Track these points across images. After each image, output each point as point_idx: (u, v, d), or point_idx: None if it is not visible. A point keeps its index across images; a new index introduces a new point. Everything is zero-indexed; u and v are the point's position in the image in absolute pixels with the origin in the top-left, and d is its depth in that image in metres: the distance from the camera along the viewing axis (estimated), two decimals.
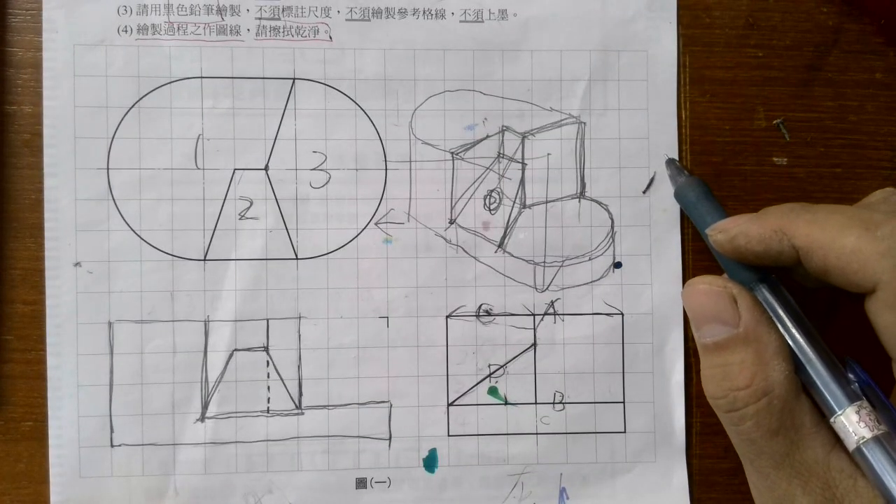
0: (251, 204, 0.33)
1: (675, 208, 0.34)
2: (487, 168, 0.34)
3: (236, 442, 0.33)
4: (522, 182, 0.34)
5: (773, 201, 0.34)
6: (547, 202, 0.34)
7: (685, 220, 0.34)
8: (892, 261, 0.23)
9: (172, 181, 0.33)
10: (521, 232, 0.34)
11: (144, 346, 0.33)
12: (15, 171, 0.33)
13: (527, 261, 0.34)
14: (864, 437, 0.23)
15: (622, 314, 0.34)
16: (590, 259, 0.34)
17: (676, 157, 0.33)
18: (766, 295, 0.27)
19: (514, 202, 0.34)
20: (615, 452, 0.34)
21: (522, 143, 0.34)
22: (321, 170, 0.33)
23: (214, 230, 0.33)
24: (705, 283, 0.27)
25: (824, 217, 0.25)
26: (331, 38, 0.33)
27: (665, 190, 0.34)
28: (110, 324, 0.33)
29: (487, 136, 0.34)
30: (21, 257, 0.33)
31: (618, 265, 0.34)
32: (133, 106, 0.33)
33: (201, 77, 0.33)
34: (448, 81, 0.34)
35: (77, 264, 0.32)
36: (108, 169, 0.33)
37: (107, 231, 0.33)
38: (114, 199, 0.33)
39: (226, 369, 0.33)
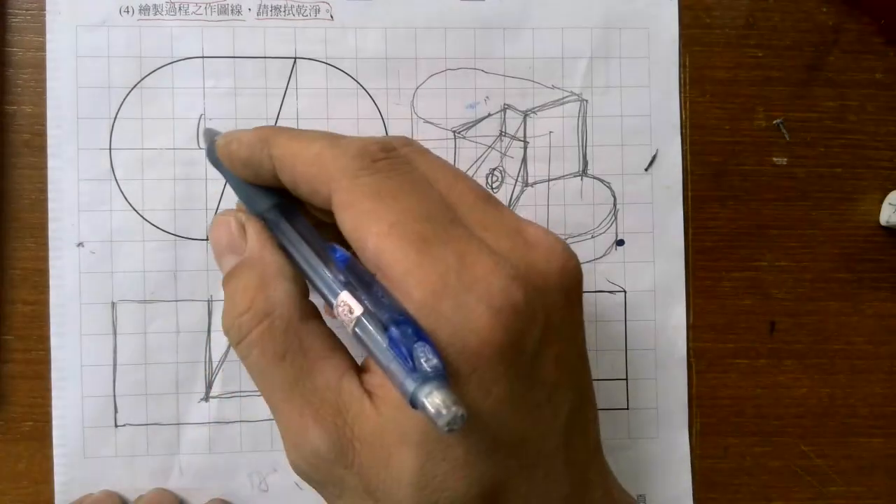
0: None
1: (677, 185, 0.34)
2: (489, 146, 0.34)
3: (240, 421, 0.33)
4: (524, 160, 0.34)
5: (773, 201, 0.34)
6: (549, 180, 0.34)
7: (687, 196, 0.34)
8: (343, 161, 0.22)
9: (175, 161, 0.33)
10: (524, 210, 0.34)
11: (148, 326, 0.33)
12: (15, 171, 0.33)
13: None
14: (353, 318, 0.21)
15: (625, 291, 0.34)
16: (592, 237, 0.34)
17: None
18: (278, 220, 0.26)
19: (517, 180, 0.34)
20: (618, 429, 0.34)
21: (524, 121, 0.34)
22: None
23: (217, 210, 0.33)
24: (220, 216, 0.26)
25: (300, 131, 0.26)
26: (332, 17, 0.33)
27: (667, 167, 0.34)
28: (113, 304, 0.33)
29: (489, 115, 0.34)
30: (21, 257, 0.33)
31: (620, 243, 0.34)
32: (135, 86, 0.33)
33: (203, 57, 0.33)
34: (449, 60, 0.34)
35: (80, 244, 0.33)
36: (110, 149, 0.33)
37: (109, 211, 0.33)
38: (116, 180, 0.33)
39: (229, 349, 0.33)
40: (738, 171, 0.34)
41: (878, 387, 0.35)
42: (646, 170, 0.34)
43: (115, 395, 0.32)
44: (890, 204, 0.34)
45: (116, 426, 0.32)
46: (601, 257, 0.34)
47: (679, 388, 0.34)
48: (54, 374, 0.32)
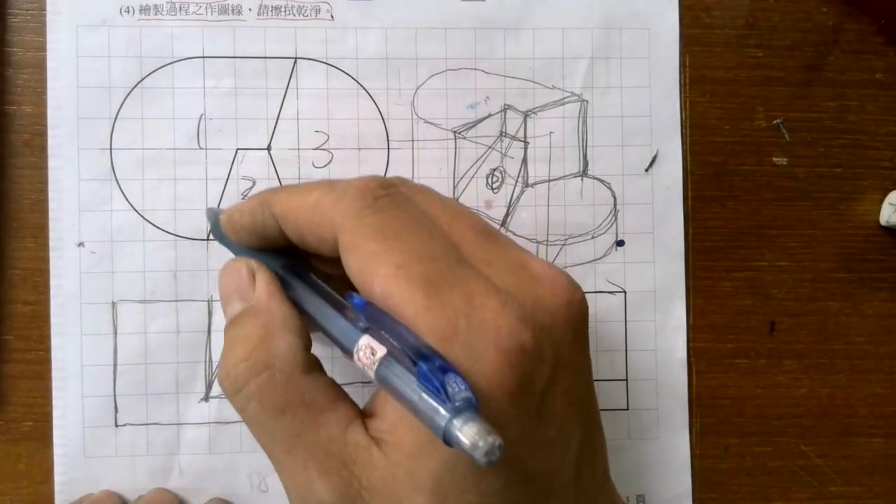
0: (254, 184, 0.33)
1: (677, 186, 0.34)
2: (490, 147, 0.34)
3: (240, 421, 0.32)
4: (525, 161, 0.34)
5: (773, 201, 0.34)
6: (549, 181, 0.34)
7: (687, 197, 0.34)
8: (345, 205, 0.22)
9: (175, 161, 0.33)
10: (524, 211, 0.34)
11: (148, 326, 0.33)
12: (15, 171, 0.33)
13: (530, 239, 0.34)
14: (376, 360, 0.20)
15: (625, 292, 0.34)
16: (592, 237, 0.34)
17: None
18: (289, 277, 0.26)
19: (517, 181, 0.34)
20: (618, 430, 0.34)
21: (525, 121, 0.34)
22: (323, 149, 0.33)
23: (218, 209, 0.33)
24: (232, 261, 0.26)
25: (297, 186, 0.25)
26: (332, 17, 0.33)
27: (668, 168, 0.34)
28: (114, 304, 0.33)
29: (490, 115, 0.34)
30: (21, 257, 0.33)
31: (620, 243, 0.34)
32: (136, 86, 0.33)
33: (203, 57, 0.33)
34: (450, 60, 0.34)
35: (80, 244, 0.33)
36: (111, 149, 0.33)
37: (110, 211, 0.33)
38: (116, 180, 0.33)
39: None
40: (738, 171, 0.34)
41: (878, 387, 0.35)
42: (646, 170, 0.34)
43: (115, 395, 0.32)
44: (890, 204, 0.34)
45: (117, 426, 0.32)
46: (601, 258, 0.34)
47: (679, 388, 0.34)
48: (55, 374, 0.32)
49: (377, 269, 0.21)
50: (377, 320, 0.21)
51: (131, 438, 0.32)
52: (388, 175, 0.33)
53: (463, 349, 0.20)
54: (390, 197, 0.23)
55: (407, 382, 0.19)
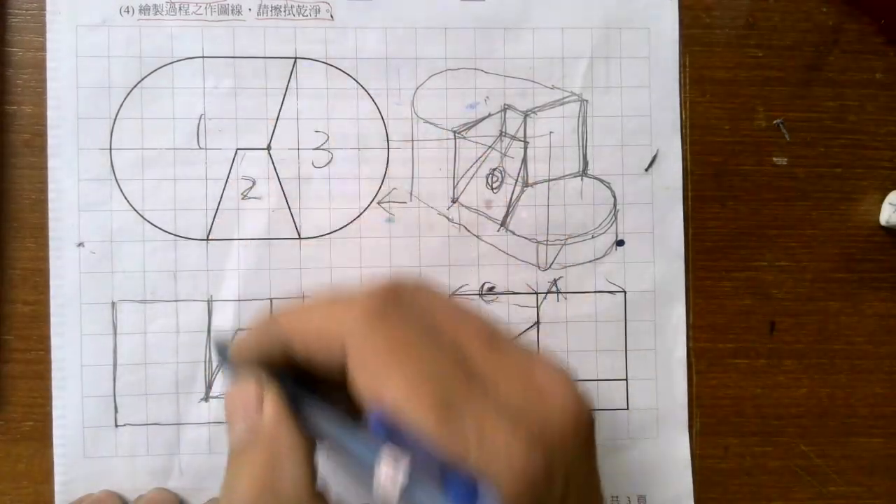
0: (254, 184, 0.33)
1: (677, 186, 0.34)
2: (490, 147, 0.34)
3: None
4: (525, 160, 0.34)
5: (773, 201, 0.34)
6: (549, 180, 0.34)
7: (687, 197, 0.34)
8: (350, 322, 0.22)
9: (175, 161, 0.33)
10: (524, 210, 0.34)
11: (148, 326, 0.33)
12: (15, 171, 0.33)
13: (529, 239, 0.34)
14: (400, 483, 0.20)
15: (624, 292, 0.34)
16: (592, 237, 0.34)
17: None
18: (301, 395, 0.26)
19: (517, 181, 0.34)
20: (618, 429, 0.34)
21: (524, 121, 0.34)
22: (323, 149, 0.33)
23: (217, 210, 0.33)
24: (242, 381, 0.26)
25: (303, 304, 0.25)
26: (332, 16, 0.33)
27: (667, 167, 0.34)
28: (113, 304, 0.33)
29: (489, 115, 0.34)
30: (21, 257, 0.33)
31: (620, 243, 0.34)
32: (135, 86, 0.33)
33: (203, 57, 0.33)
34: (449, 60, 0.34)
35: (80, 244, 0.33)
36: (110, 149, 0.33)
37: (109, 211, 0.33)
38: (116, 180, 0.33)
39: None
40: (738, 171, 0.34)
41: (878, 387, 0.35)
42: (646, 170, 0.34)
43: (115, 395, 0.32)
44: (890, 204, 0.34)
45: (116, 426, 0.32)
46: (601, 257, 0.34)
47: (679, 388, 0.34)
48: (54, 375, 0.32)
49: (386, 391, 0.21)
50: (394, 437, 0.21)
51: (131, 438, 0.32)
52: (388, 175, 0.33)
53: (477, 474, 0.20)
54: (395, 310, 0.23)
55: (434, 497, 0.20)
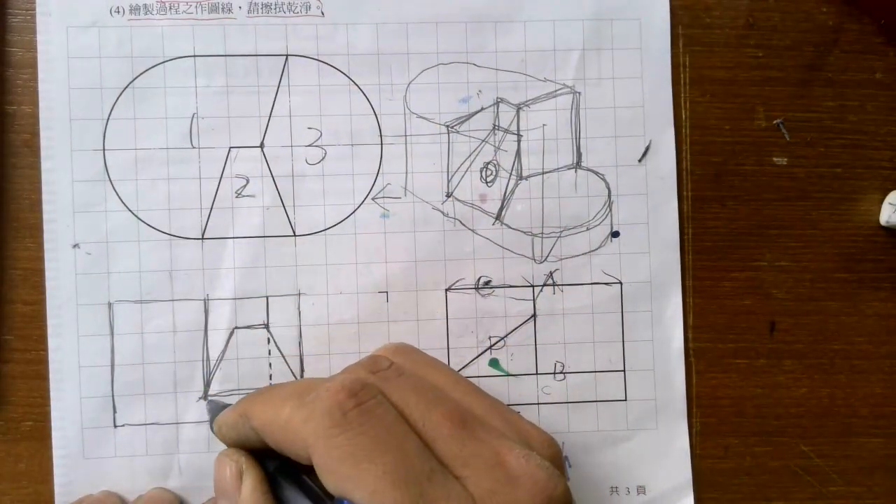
0: (247, 182, 0.33)
1: (671, 176, 0.34)
2: (483, 140, 0.34)
3: None
4: (518, 154, 0.34)
5: (773, 201, 0.34)
6: (543, 173, 0.34)
7: (682, 186, 0.34)
8: (314, 424, 0.23)
9: (168, 161, 0.33)
10: (519, 203, 0.34)
11: (145, 326, 0.33)
12: (15, 171, 0.33)
13: (525, 232, 0.34)
14: None
15: (621, 283, 0.34)
16: (587, 229, 0.34)
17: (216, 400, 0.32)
18: (281, 478, 0.26)
19: (511, 174, 0.34)
20: (616, 420, 0.34)
21: (517, 114, 0.34)
22: (317, 146, 0.33)
23: (211, 209, 0.33)
24: (225, 454, 0.27)
25: (274, 394, 0.25)
26: (323, 13, 0.33)
27: (661, 158, 0.34)
28: (110, 304, 0.33)
29: (482, 109, 0.34)
30: (21, 257, 0.33)
31: (615, 234, 0.34)
32: (127, 86, 0.33)
33: (194, 56, 0.33)
34: (441, 54, 0.34)
35: (75, 246, 0.33)
36: (104, 150, 0.33)
37: (104, 212, 0.33)
38: (110, 180, 0.33)
39: (227, 347, 0.33)
40: (738, 171, 0.34)
41: (878, 387, 0.35)
42: (639, 161, 0.34)
43: (113, 396, 0.32)
44: (890, 204, 0.34)
45: (115, 426, 0.33)
46: (596, 249, 0.34)
47: (677, 378, 0.34)
48: (52, 376, 0.32)
49: (353, 496, 0.21)
50: None
51: (130, 438, 0.32)
52: (382, 171, 0.33)
53: None
54: (359, 409, 0.23)
55: None
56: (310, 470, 0.24)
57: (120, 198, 0.33)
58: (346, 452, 0.22)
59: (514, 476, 0.22)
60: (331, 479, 0.22)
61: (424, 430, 0.23)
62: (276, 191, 0.33)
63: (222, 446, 0.32)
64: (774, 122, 0.34)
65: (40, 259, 0.32)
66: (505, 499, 0.21)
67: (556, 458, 0.25)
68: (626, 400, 0.34)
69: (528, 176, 0.34)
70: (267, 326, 0.33)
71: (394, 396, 0.24)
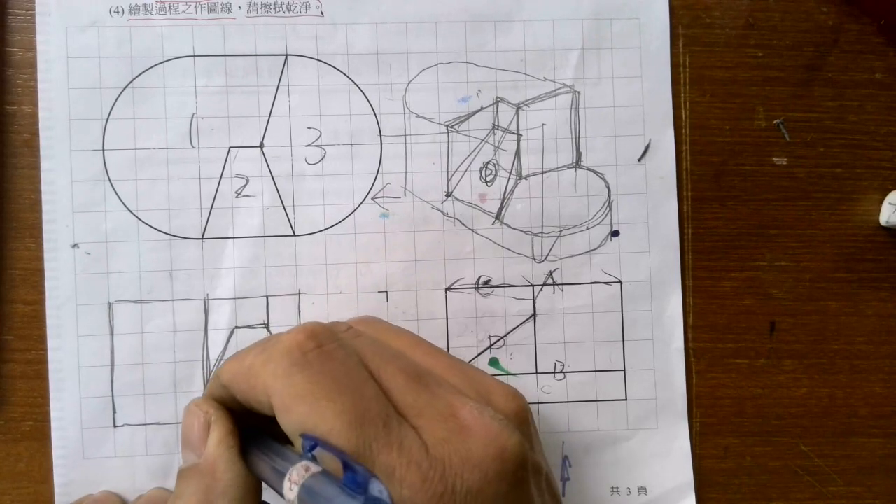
0: (247, 182, 0.33)
1: (670, 175, 0.34)
2: (483, 140, 0.34)
3: None
4: (518, 153, 0.34)
5: (773, 201, 0.34)
6: (543, 172, 0.34)
7: (682, 186, 0.34)
8: (273, 365, 0.23)
9: (168, 160, 0.33)
10: (518, 203, 0.34)
11: (144, 326, 0.33)
12: (15, 171, 0.33)
13: (524, 232, 0.34)
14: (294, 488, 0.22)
15: (620, 282, 0.34)
16: (587, 228, 0.34)
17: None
18: (252, 432, 0.26)
19: (511, 173, 0.34)
20: (617, 420, 0.34)
21: (517, 113, 0.34)
22: (316, 146, 0.33)
23: (211, 209, 0.33)
24: (194, 405, 0.26)
25: (241, 350, 0.26)
26: (322, 13, 0.33)
27: (661, 157, 0.34)
28: (110, 304, 0.33)
29: (482, 108, 0.34)
30: (21, 257, 0.33)
31: (615, 233, 0.34)
32: (126, 86, 0.33)
33: (194, 56, 0.33)
34: (441, 54, 0.34)
35: (75, 246, 0.33)
36: (103, 150, 0.33)
37: (104, 212, 0.33)
38: (110, 180, 0.33)
39: (227, 347, 0.33)
40: (738, 171, 0.34)
41: (878, 387, 0.35)
42: (639, 160, 0.34)
43: (113, 396, 0.32)
44: (890, 204, 0.34)
45: (115, 426, 0.32)
46: (596, 248, 0.34)
47: (678, 378, 0.34)
48: (52, 376, 0.32)
49: (309, 431, 0.21)
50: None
51: (130, 438, 0.32)
52: (381, 170, 0.33)
53: None
54: (319, 350, 0.23)
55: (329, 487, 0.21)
56: (283, 439, 0.24)
57: (119, 198, 0.33)
58: (304, 390, 0.22)
59: (467, 426, 0.22)
60: (288, 419, 0.22)
61: (380, 381, 0.23)
62: (276, 191, 0.33)
63: None
64: (774, 122, 0.34)
65: (40, 259, 0.32)
66: (457, 447, 0.21)
67: (521, 411, 0.25)
68: (626, 399, 0.34)
69: (528, 175, 0.34)
70: (267, 326, 0.33)
71: (357, 347, 0.24)
